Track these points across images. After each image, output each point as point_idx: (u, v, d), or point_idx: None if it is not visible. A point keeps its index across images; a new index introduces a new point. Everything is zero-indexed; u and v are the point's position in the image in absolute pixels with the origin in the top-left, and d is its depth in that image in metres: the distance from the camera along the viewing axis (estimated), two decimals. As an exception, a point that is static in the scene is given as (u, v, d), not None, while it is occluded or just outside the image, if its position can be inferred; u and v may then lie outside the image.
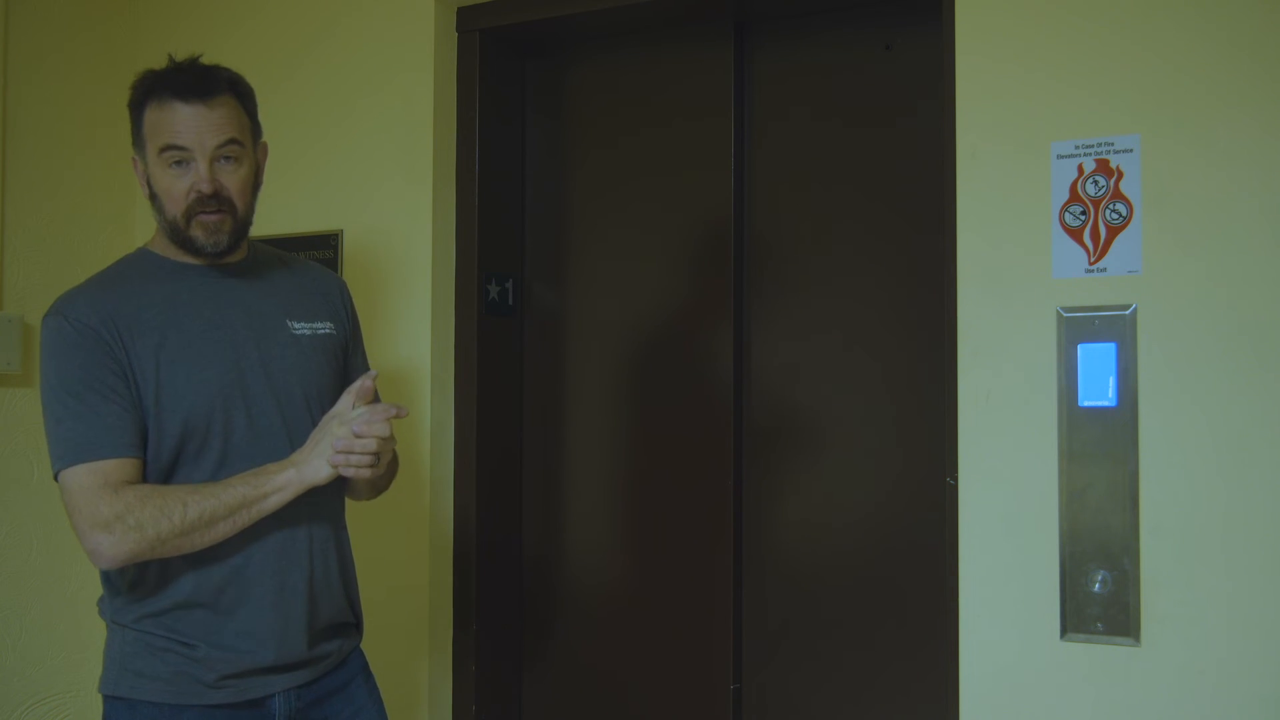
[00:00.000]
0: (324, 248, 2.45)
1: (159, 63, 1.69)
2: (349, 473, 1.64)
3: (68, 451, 1.57)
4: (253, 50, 2.52)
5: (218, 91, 1.64)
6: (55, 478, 1.59)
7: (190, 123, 1.62)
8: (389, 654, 2.25)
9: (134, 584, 1.64)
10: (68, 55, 2.53)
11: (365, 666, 1.85)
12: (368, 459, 1.62)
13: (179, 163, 1.63)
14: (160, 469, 1.62)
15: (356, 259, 2.43)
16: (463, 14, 2.44)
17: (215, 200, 1.64)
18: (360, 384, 1.69)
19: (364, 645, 1.87)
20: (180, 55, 1.69)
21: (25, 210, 2.43)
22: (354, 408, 1.67)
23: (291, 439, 1.69)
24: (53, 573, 2.46)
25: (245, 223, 1.71)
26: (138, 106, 1.67)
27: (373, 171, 2.43)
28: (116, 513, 1.54)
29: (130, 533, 1.54)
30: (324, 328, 1.80)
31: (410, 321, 2.38)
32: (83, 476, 1.56)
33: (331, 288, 1.88)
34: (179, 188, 1.64)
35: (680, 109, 2.40)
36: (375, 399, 1.71)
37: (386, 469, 1.75)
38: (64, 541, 2.45)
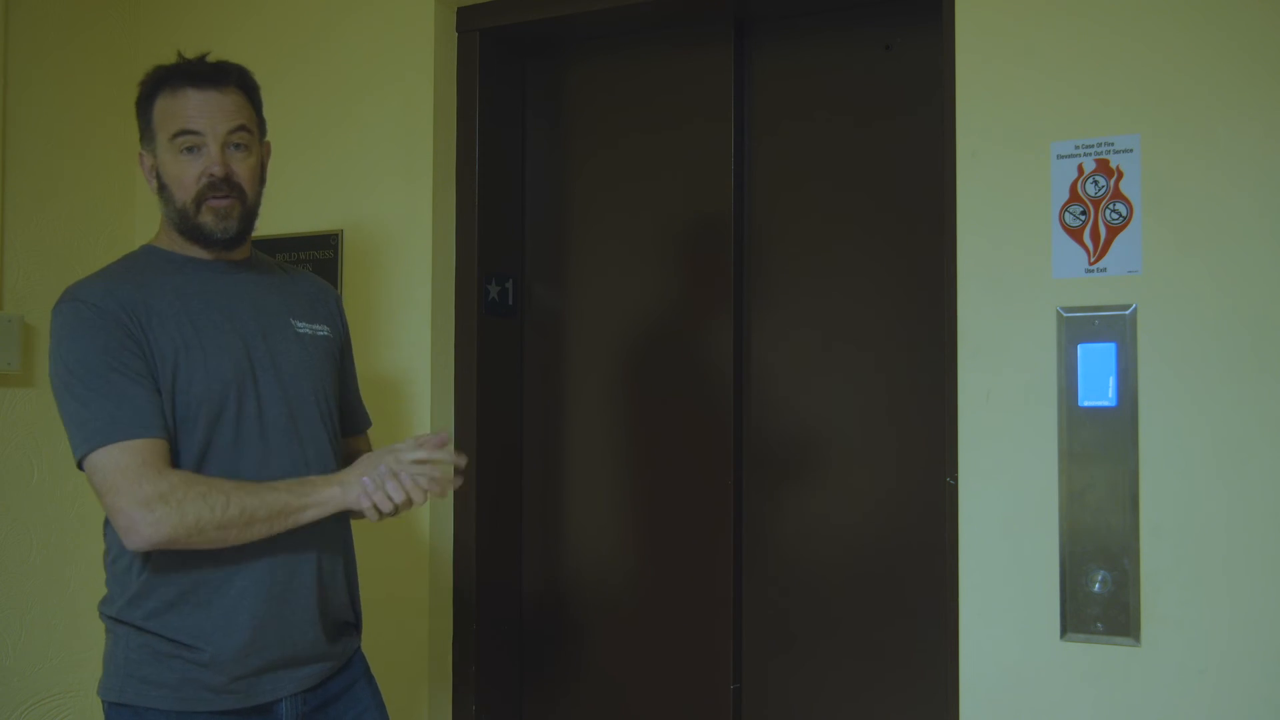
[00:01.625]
0: (324, 248, 2.45)
1: (159, 62, 1.71)
2: (365, 504, 1.63)
3: (99, 431, 1.55)
4: (252, 50, 2.51)
5: (229, 81, 1.68)
6: (79, 462, 1.56)
7: (203, 108, 1.65)
8: (388, 657, 2.24)
9: (140, 571, 1.62)
10: (68, 55, 2.53)
11: (367, 669, 1.85)
12: (388, 506, 1.62)
13: (190, 149, 1.65)
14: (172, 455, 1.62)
15: (356, 259, 2.43)
16: (463, 14, 2.44)
17: (226, 184, 1.66)
18: (434, 437, 1.68)
19: (364, 648, 1.87)
20: (179, 55, 1.71)
21: (25, 210, 2.43)
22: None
23: (299, 432, 1.70)
24: (52, 573, 2.45)
25: (253, 213, 1.73)
26: (148, 99, 1.69)
27: (373, 171, 2.43)
28: (160, 492, 1.52)
29: (171, 514, 1.52)
30: (322, 330, 1.81)
31: (410, 321, 2.38)
32: (120, 456, 1.54)
33: (328, 296, 1.90)
34: (190, 173, 1.66)
35: (680, 109, 2.40)
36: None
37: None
38: (64, 541, 2.46)
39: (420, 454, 1.64)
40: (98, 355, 1.57)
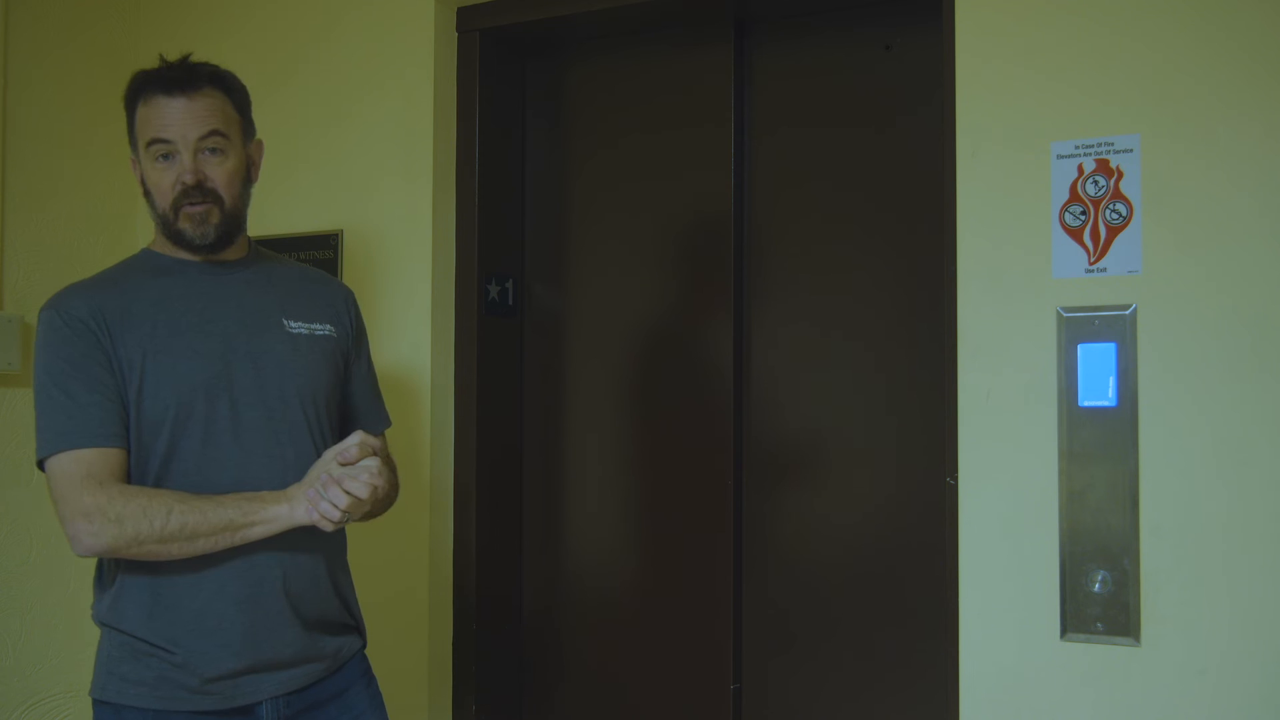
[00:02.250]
0: (324, 248, 2.45)
1: (158, 63, 1.70)
2: (314, 516, 1.60)
3: (51, 440, 1.60)
4: (253, 50, 2.52)
5: (200, 85, 1.67)
6: (40, 465, 1.62)
7: (174, 115, 1.65)
8: (388, 658, 2.24)
9: (116, 576, 1.64)
10: (67, 55, 2.53)
11: (367, 671, 1.83)
12: (335, 514, 1.59)
13: (165, 156, 1.66)
14: (139, 458, 1.63)
15: (356, 259, 2.43)
16: (463, 14, 2.44)
17: (200, 191, 1.66)
18: (345, 446, 1.65)
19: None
20: (176, 56, 1.70)
21: (25, 210, 2.43)
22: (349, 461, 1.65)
23: (276, 435, 1.69)
24: (52, 572, 2.45)
25: (235, 216, 1.72)
26: (130, 106, 1.70)
27: (373, 171, 2.43)
28: (98, 504, 1.56)
29: (109, 525, 1.55)
30: (323, 329, 1.79)
31: (410, 322, 2.38)
32: (66, 465, 1.58)
33: (336, 294, 1.88)
34: (166, 180, 1.66)
35: (680, 109, 2.40)
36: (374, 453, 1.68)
37: (383, 501, 1.73)
38: (64, 541, 2.41)
39: (352, 454, 1.63)
40: (61, 365, 1.61)
